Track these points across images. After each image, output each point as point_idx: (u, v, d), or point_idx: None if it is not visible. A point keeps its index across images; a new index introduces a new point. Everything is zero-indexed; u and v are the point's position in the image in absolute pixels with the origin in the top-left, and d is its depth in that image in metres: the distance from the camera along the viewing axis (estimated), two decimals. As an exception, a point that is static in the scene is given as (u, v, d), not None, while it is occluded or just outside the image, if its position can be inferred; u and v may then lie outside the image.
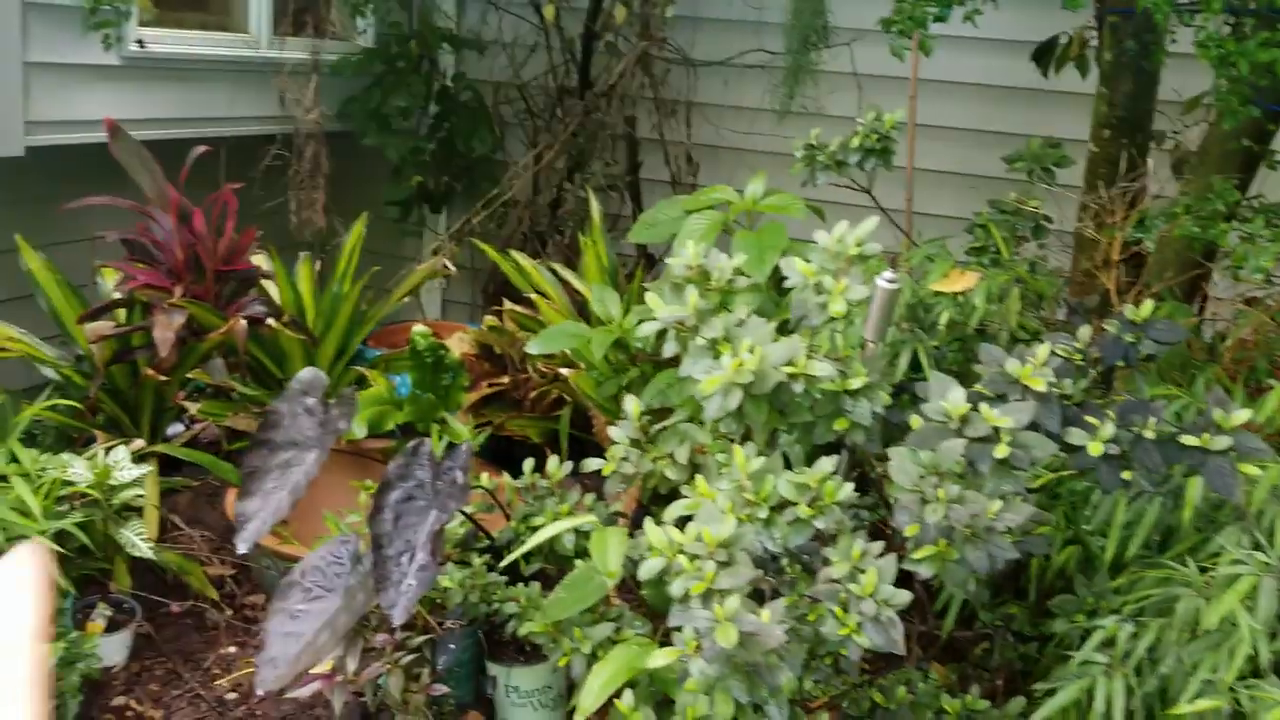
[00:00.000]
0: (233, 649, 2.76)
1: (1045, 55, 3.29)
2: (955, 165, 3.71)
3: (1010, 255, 2.34)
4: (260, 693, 2.55)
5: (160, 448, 3.03)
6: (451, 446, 2.28)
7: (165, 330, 2.86)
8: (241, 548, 2.20)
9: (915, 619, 2.22)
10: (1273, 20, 2.33)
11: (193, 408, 3.04)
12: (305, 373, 2.24)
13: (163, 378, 2.98)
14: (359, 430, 2.97)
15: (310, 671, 2.33)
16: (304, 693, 2.31)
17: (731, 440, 1.93)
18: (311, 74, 3.67)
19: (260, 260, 3.29)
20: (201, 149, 3.09)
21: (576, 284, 3.40)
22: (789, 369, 1.74)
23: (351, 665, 2.28)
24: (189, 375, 3.08)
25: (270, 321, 3.05)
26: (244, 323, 2.95)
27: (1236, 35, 2.36)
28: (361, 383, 3.30)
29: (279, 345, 3.23)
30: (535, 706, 2.51)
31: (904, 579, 1.74)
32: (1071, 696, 1.80)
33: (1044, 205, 2.62)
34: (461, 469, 2.14)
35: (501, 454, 3.37)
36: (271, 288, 3.28)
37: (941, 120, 3.74)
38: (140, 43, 3.30)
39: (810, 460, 1.91)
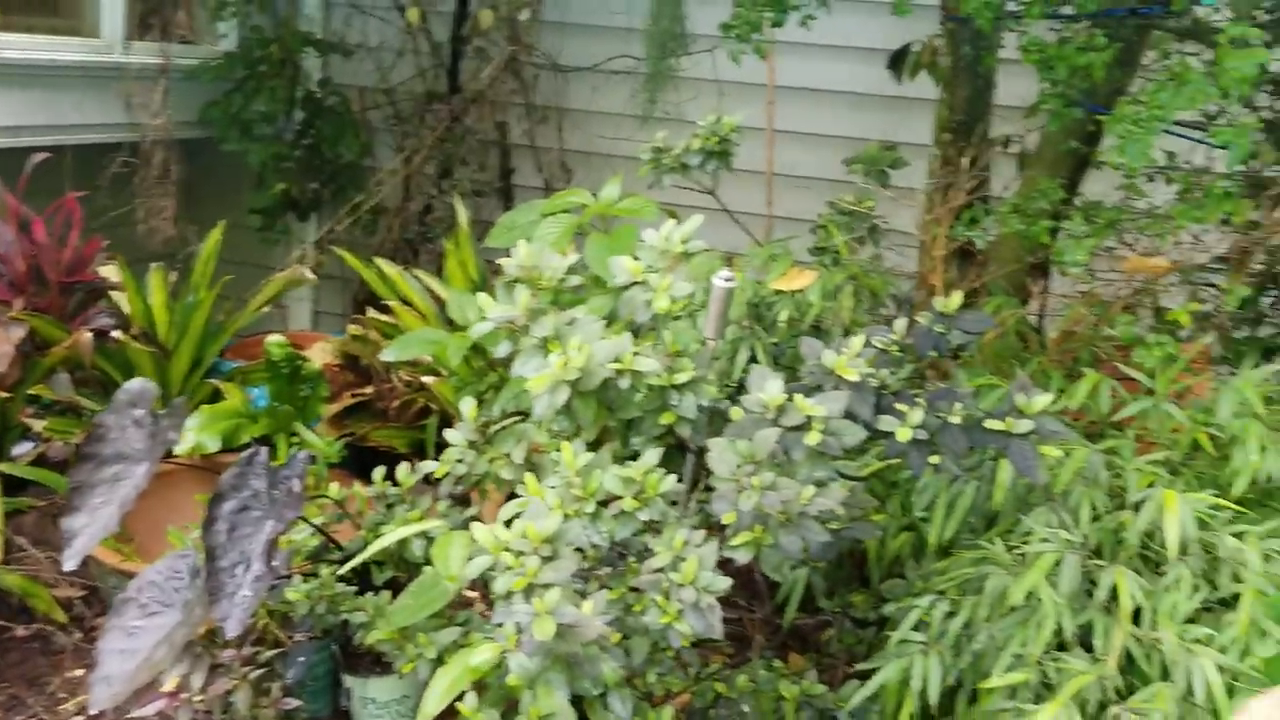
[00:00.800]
0: (79, 672, 2.68)
1: (899, 62, 3.39)
2: (817, 169, 3.79)
3: (849, 255, 2.40)
4: (94, 712, 2.49)
5: (4, 467, 2.93)
6: (292, 455, 2.25)
7: (5, 345, 2.77)
8: (68, 564, 2.15)
9: (758, 609, 2.26)
10: (1092, 25, 2.44)
11: (38, 425, 2.95)
12: (133, 384, 2.19)
13: (5, 394, 2.89)
14: (211, 444, 2.91)
15: (156, 690, 2.28)
16: (148, 712, 2.25)
17: (565, 438, 1.95)
18: (161, 78, 3.59)
19: (109, 271, 3.21)
20: (40, 156, 3.01)
21: (440, 291, 3.39)
22: (616, 365, 1.77)
23: (197, 682, 2.24)
24: (34, 391, 2.98)
25: (118, 334, 2.97)
26: (89, 335, 2.88)
27: (1059, 40, 2.47)
28: (217, 396, 3.24)
29: (128, 358, 3.15)
30: (393, 717, 2.49)
31: (747, 571, 1.78)
32: (892, 675, 1.85)
33: (895, 207, 2.70)
34: (298, 477, 2.12)
35: (368, 465, 3.32)
36: (121, 300, 3.20)
37: (802, 126, 3.83)
38: (-19, 48, 3.20)
39: (665, 457, 1.94)
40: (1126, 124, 2.10)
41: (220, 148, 3.92)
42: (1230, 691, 1.71)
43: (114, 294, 3.16)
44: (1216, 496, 1.85)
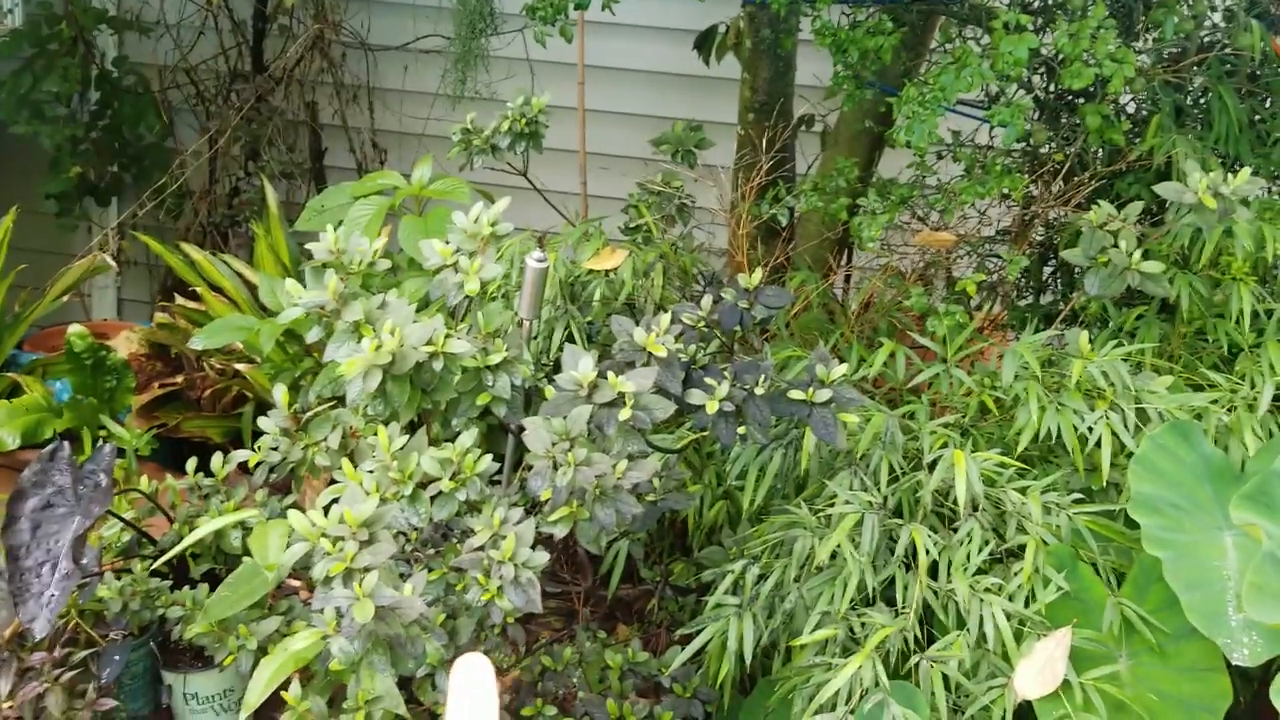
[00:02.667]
0: None
1: (705, 43, 3.47)
2: (630, 149, 3.85)
3: (660, 234, 2.47)
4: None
5: None
6: (98, 449, 2.17)
7: None
8: None
9: (581, 582, 2.32)
10: (881, 10, 2.57)
11: None
12: (-83, 380, 2.07)
13: None
14: (11, 441, 2.77)
15: (-43, 700, 2.17)
16: (-52, 724, 2.16)
17: (381, 422, 1.95)
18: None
19: (-114, 262, 3.00)
20: None
21: (251, 276, 3.30)
22: (429, 348, 1.78)
23: (4, 687, 2.15)
24: None
25: (-102, 328, 2.79)
26: None
27: (851, 25, 2.59)
28: (15, 390, 3.07)
29: (-88, 354, 2.97)
30: (217, 711, 2.44)
31: (571, 546, 1.82)
32: (709, 638, 1.94)
33: (703, 185, 2.78)
34: (105, 472, 2.05)
35: (183, 457, 3.22)
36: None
37: (615, 106, 3.88)
38: None
39: (488, 438, 1.96)
40: (913, 105, 2.23)
41: (9, 130, 3.69)
42: (1018, 636, 1.86)
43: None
44: (1003, 455, 2.00)
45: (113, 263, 3.33)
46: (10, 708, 2.16)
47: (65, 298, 3.30)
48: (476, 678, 0.54)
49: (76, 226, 3.90)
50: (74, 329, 2.88)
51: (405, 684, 2.04)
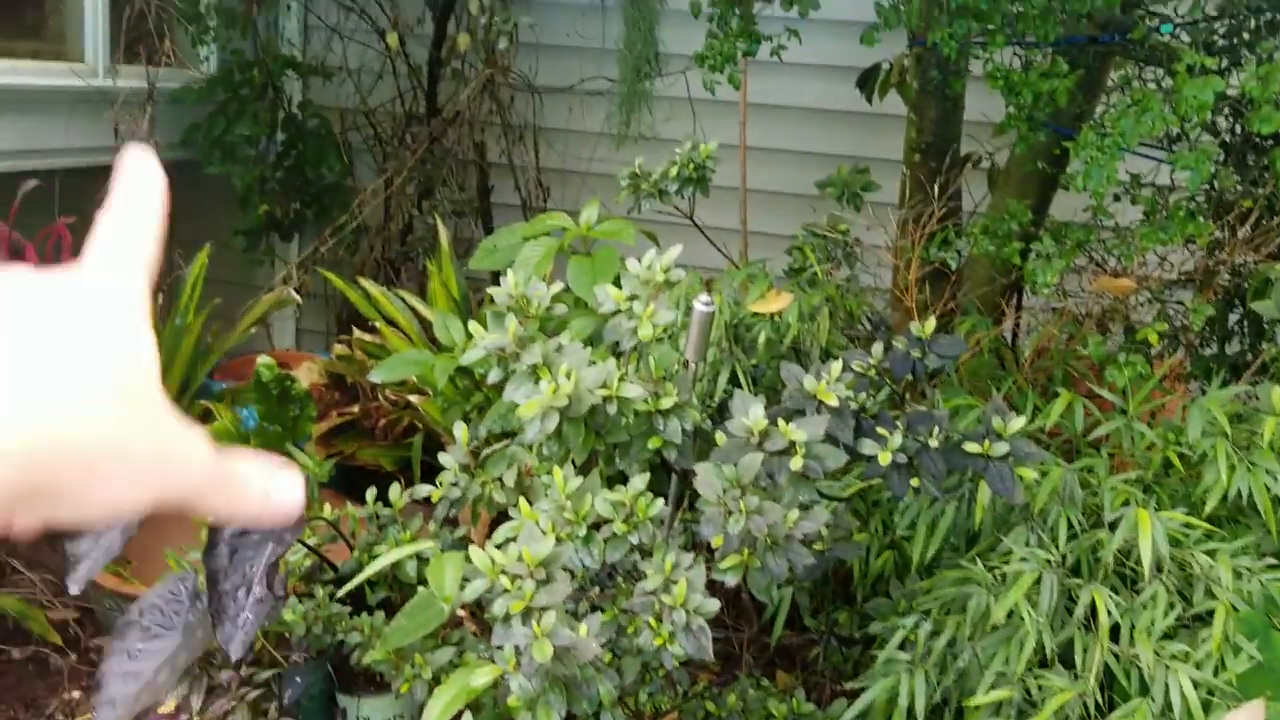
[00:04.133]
0: (76, 694, 2.72)
1: (869, 81, 3.47)
2: (790, 186, 3.87)
3: (825, 276, 2.47)
4: (98, 735, 2.52)
5: (-5, 491, 2.96)
6: (289, 479, 2.29)
7: (-5, 371, 2.80)
8: (73, 589, 2.18)
9: (745, 628, 2.32)
10: (1055, 52, 2.52)
11: (29, 449, 2.98)
12: (133, 412, 2.22)
13: (-5, 419, 2.92)
14: (204, 465, 2.94)
15: (155, 711, 2.32)
16: (147, 733, 2.30)
17: (555, 462, 2.00)
18: (147, 104, 3.62)
19: (97, 296, 3.23)
20: (31, 184, 3.04)
21: (424, 311, 3.44)
22: (603, 391, 1.82)
23: (196, 703, 2.28)
24: (24, 415, 3.01)
25: (108, 358, 3.00)
26: (79, 360, 2.90)
27: (1023, 66, 2.55)
28: (207, 417, 3.27)
29: (119, 382, 3.18)
30: (387, 733, 2.53)
31: (734, 590, 1.83)
32: (879, 694, 1.92)
33: (871, 224, 2.77)
34: (296, 501, 2.16)
35: (355, 484, 3.37)
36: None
37: (776, 143, 3.90)
38: (-35, 76, 3.23)
39: (653, 480, 1.99)
40: (1090, 150, 2.17)
41: (205, 171, 3.95)
42: (1206, 707, 1.78)
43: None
44: (1189, 514, 1.92)
45: (297, 297, 3.51)
46: (199, 720, 2.29)
47: (253, 329, 3.49)
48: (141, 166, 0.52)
49: (264, 261, 4.13)
50: (262, 360, 3.05)
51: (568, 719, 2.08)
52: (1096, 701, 1.80)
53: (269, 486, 0.46)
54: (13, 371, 0.38)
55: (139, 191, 0.48)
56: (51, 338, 0.40)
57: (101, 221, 0.47)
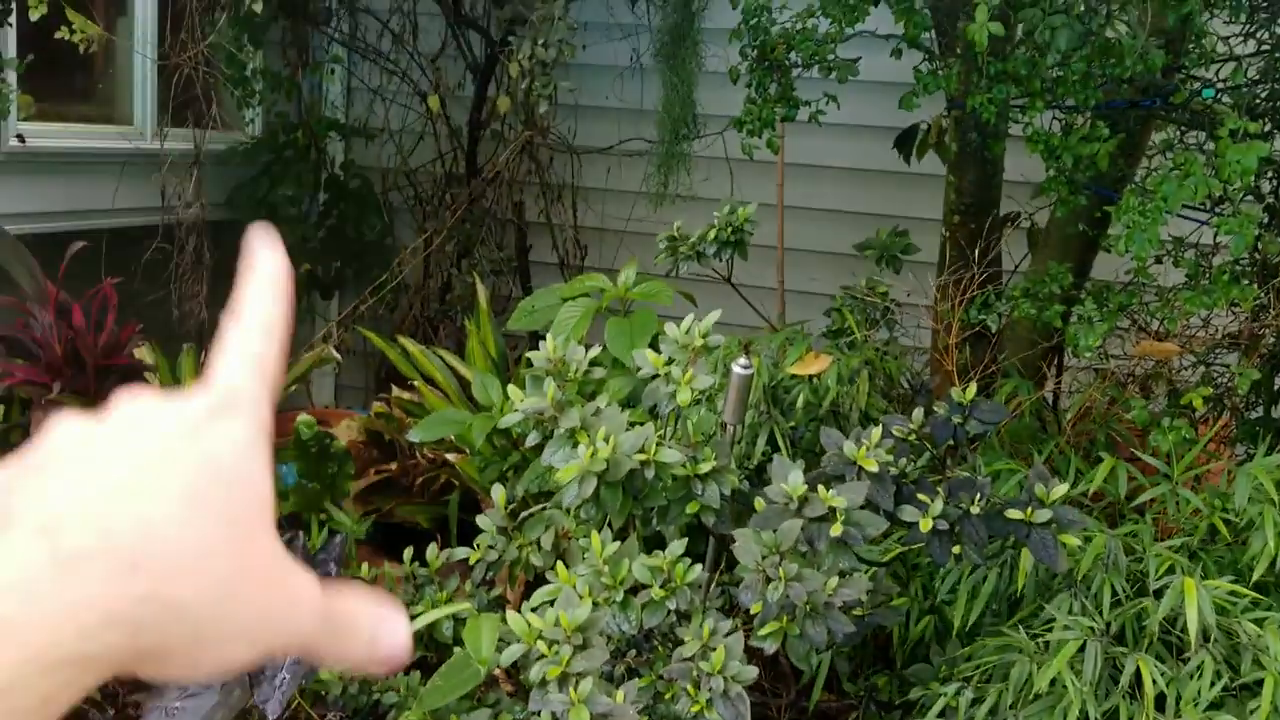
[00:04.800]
0: (112, 750, 2.72)
1: (906, 142, 3.48)
2: (827, 245, 3.88)
3: (864, 338, 2.46)
4: (133, 795, 2.52)
5: (39, 546, 2.99)
6: (330, 537, 2.31)
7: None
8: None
9: (783, 693, 2.29)
10: (1095, 116, 2.53)
11: (73, 504, 3.01)
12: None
13: (41, 475, 2.96)
14: (243, 522, 2.96)
15: (189, 771, 2.32)
16: (182, 793, 2.29)
17: (593, 526, 2.00)
18: (194, 166, 3.70)
19: (143, 354, 3.29)
20: (79, 245, 3.10)
21: (462, 370, 3.46)
22: (640, 456, 1.82)
23: (231, 763, 2.28)
24: (69, 472, 3.05)
25: (151, 415, 3.04)
26: (124, 417, 2.95)
27: (1063, 129, 2.56)
28: (247, 473, 3.29)
29: (162, 438, 3.22)
30: (421, 795, 2.51)
31: (773, 655, 1.81)
32: (919, 762, 1.88)
33: (909, 284, 2.76)
34: (335, 561, 2.17)
35: (392, 540, 3.38)
36: (154, 381, 3.28)
37: (813, 203, 3.92)
38: (20, 138, 3.32)
39: (691, 542, 1.98)
40: (1132, 214, 2.17)
41: (248, 231, 4.02)
42: (1255, 777, 1.74)
43: (148, 376, 3.23)
44: (1235, 582, 1.89)
45: (337, 354, 3.55)
46: (236, 781, 2.28)
47: (294, 387, 3.53)
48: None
49: (304, 319, 4.18)
50: (303, 418, 3.08)
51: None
52: (1145, 775, 1.76)
53: (377, 631, 0.44)
54: (128, 521, 0.36)
55: (267, 295, 0.47)
56: (169, 476, 0.38)
57: (229, 330, 0.46)
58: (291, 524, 2.93)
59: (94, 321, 3.09)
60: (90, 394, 3.05)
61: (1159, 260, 2.60)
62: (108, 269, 3.36)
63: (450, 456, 3.23)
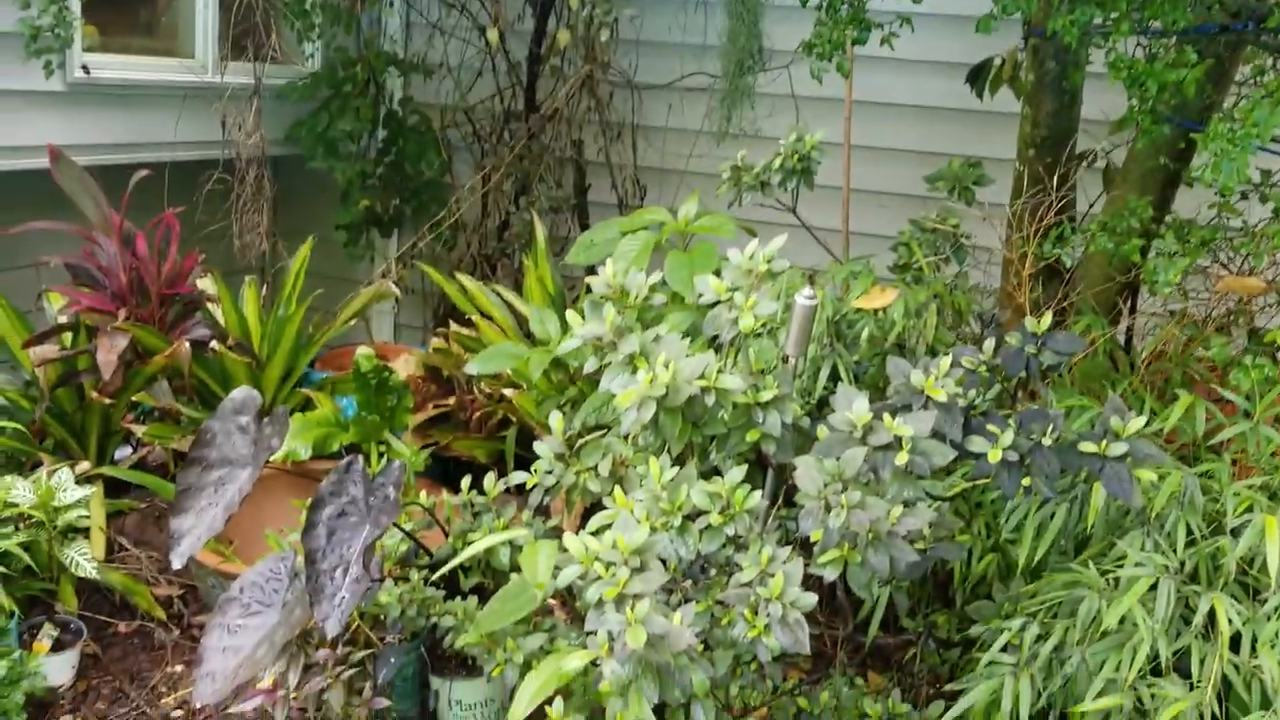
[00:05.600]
0: (179, 668, 2.77)
1: (979, 77, 3.37)
2: (895, 185, 3.79)
3: (931, 273, 2.40)
4: (200, 706, 2.57)
5: (107, 470, 3.05)
6: (389, 464, 2.31)
7: (109, 354, 2.88)
8: (176, 563, 2.23)
9: (840, 626, 2.27)
10: (1182, 41, 2.42)
11: (139, 430, 3.06)
12: (238, 392, 2.27)
13: (108, 401, 3.00)
14: (304, 452, 3.00)
15: (254, 687, 2.36)
16: (246, 708, 2.33)
17: (651, 453, 1.98)
18: (253, 98, 3.70)
19: (205, 284, 3.32)
20: (143, 173, 3.12)
21: (520, 306, 3.45)
22: (701, 383, 1.79)
23: (293, 680, 2.31)
24: (136, 398, 3.10)
25: (215, 344, 3.07)
26: (188, 346, 2.98)
27: (1147, 56, 2.45)
28: (308, 405, 3.33)
29: (224, 368, 3.26)
30: (478, 718, 2.53)
31: (831, 588, 1.79)
32: (981, 697, 1.85)
33: (978, 222, 2.69)
34: (394, 485, 2.18)
35: (450, 474, 3.40)
36: (217, 311, 3.31)
37: (879, 141, 3.82)
38: (85, 69, 3.33)
39: (748, 475, 1.96)
40: (1221, 142, 2.07)
41: (308, 165, 4.02)
42: (1332, 721, 1.68)
43: (210, 306, 3.26)
44: (1317, 521, 1.82)
45: (396, 290, 3.55)
46: (296, 698, 2.32)
47: (353, 321, 3.54)
48: None
49: (364, 256, 4.19)
50: (362, 351, 3.09)
51: (658, 710, 2.05)
52: (1214, 713, 1.71)
53: None
54: None
55: None
56: None
57: None
58: (351, 454, 2.95)
59: (157, 251, 3.12)
60: (153, 323, 3.08)
61: (1244, 196, 2.50)
62: (170, 200, 3.39)
63: (507, 392, 3.23)
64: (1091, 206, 3.02)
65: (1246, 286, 2.24)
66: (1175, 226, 2.35)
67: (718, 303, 1.94)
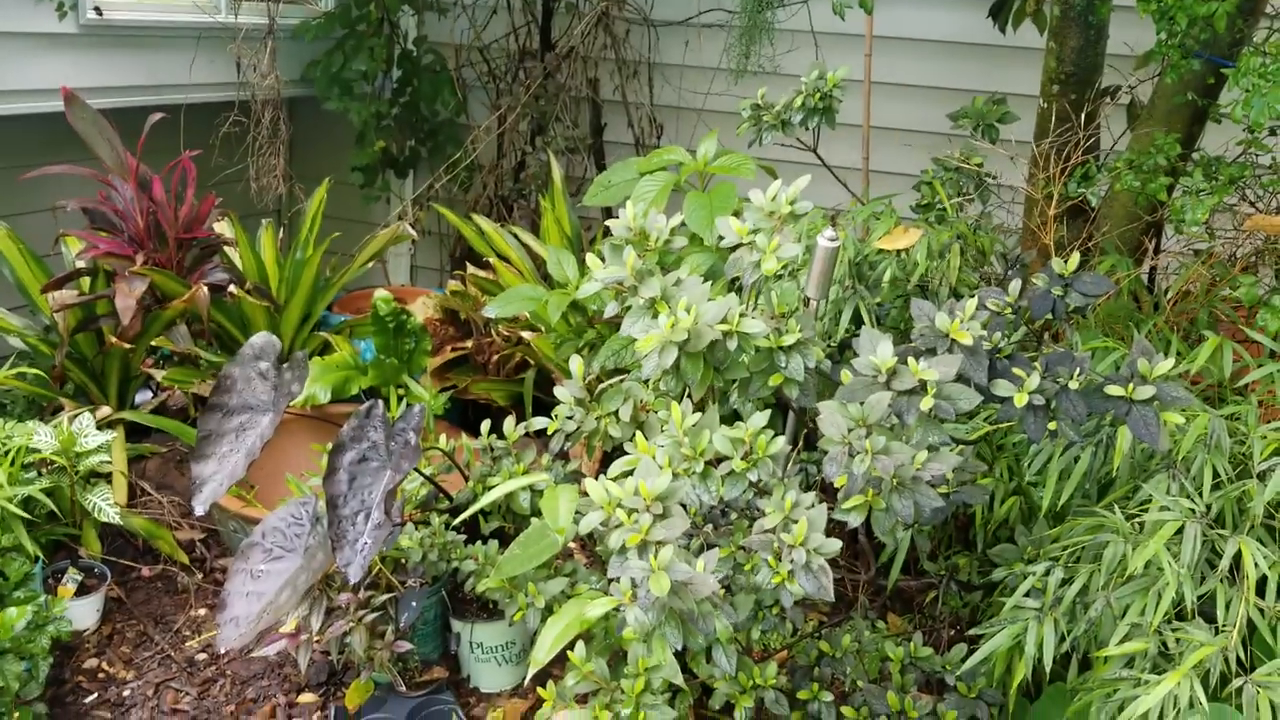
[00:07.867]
0: (202, 611, 2.80)
1: (1001, 10, 3.30)
2: (915, 123, 3.73)
3: (955, 212, 2.36)
4: (224, 650, 2.60)
5: (128, 415, 3.06)
6: (408, 408, 2.31)
7: (127, 298, 2.88)
8: (199, 509, 2.24)
9: (861, 570, 2.27)
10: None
11: (159, 375, 3.07)
12: (257, 338, 2.26)
13: (128, 345, 3.01)
14: (323, 395, 3.00)
15: (277, 631, 2.38)
16: (270, 651, 2.36)
17: (672, 398, 1.97)
18: (267, 38, 3.66)
19: (223, 227, 3.30)
20: (158, 115, 3.09)
21: (537, 248, 3.42)
22: (723, 326, 1.78)
23: (316, 623, 2.33)
24: (155, 343, 3.10)
25: (233, 288, 3.07)
26: (206, 290, 2.97)
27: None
28: (326, 348, 3.33)
29: (242, 312, 3.25)
30: (499, 662, 2.56)
31: (852, 532, 1.79)
32: (1004, 641, 1.85)
33: (1001, 161, 2.64)
34: (414, 430, 2.18)
35: (468, 417, 3.41)
36: (234, 255, 3.29)
37: (900, 78, 3.76)
38: (98, 10, 3.29)
39: (770, 420, 1.95)
40: (1252, 77, 2.03)
41: (322, 107, 3.98)
42: (1359, 665, 1.68)
43: (227, 250, 3.25)
44: (1345, 464, 1.80)
45: (413, 232, 3.53)
46: (318, 642, 2.34)
47: (370, 264, 3.53)
48: None
49: (379, 197, 4.16)
50: (380, 294, 3.07)
51: (679, 654, 2.07)
52: (1239, 657, 1.71)
53: None
54: None
55: None
56: None
57: None
58: (370, 398, 2.95)
59: (174, 194, 3.10)
60: (171, 266, 3.07)
61: (1273, 132, 2.44)
62: (186, 143, 3.36)
63: (525, 334, 3.22)
64: (1115, 144, 2.97)
65: (1275, 225, 2.20)
66: (1203, 163, 2.30)
67: (739, 245, 1.91)
